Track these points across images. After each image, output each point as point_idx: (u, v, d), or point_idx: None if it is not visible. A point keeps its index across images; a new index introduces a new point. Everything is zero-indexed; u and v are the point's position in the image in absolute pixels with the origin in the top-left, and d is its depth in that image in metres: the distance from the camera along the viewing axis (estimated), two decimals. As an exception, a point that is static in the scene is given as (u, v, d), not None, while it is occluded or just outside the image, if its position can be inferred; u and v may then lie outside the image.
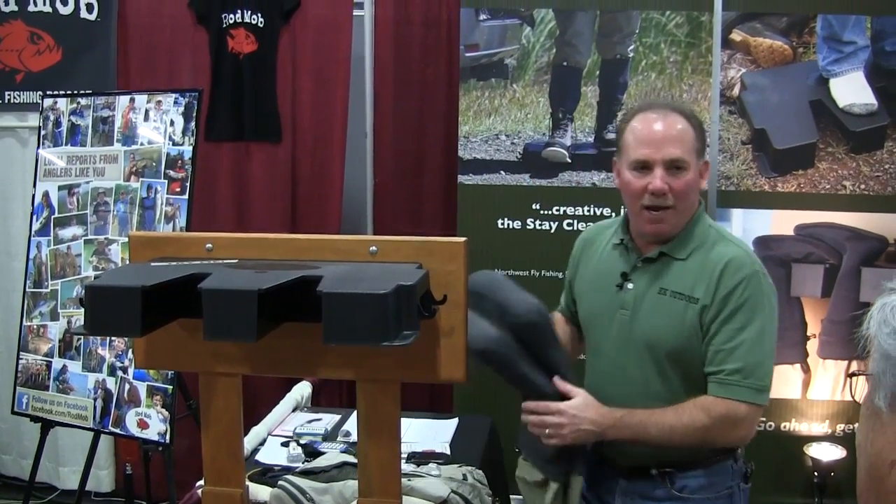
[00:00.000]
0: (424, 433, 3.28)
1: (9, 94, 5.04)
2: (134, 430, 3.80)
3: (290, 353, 2.12)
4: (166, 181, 3.78)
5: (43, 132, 4.12)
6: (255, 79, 4.80)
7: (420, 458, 2.97)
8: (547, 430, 2.40)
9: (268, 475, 2.79)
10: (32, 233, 4.10)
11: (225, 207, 4.83)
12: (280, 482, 2.63)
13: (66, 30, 4.91)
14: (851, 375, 1.26)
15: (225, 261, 2.05)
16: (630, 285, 2.55)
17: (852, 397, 1.27)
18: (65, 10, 4.88)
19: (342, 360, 1.94)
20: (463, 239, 2.17)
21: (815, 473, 4.16)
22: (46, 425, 4.10)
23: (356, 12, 4.72)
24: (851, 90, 4.14)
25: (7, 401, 5.24)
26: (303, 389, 3.67)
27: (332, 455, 2.95)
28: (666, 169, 2.44)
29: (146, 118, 3.88)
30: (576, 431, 2.40)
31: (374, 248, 2.18)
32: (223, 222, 4.78)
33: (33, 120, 5.04)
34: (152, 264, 2.13)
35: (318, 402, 3.82)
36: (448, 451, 3.09)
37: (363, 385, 2.02)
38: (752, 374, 2.39)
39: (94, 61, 4.93)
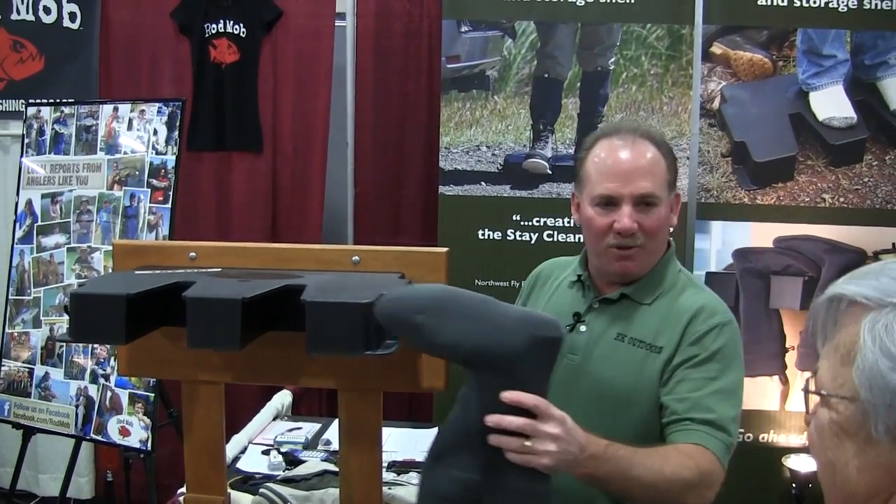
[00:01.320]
0: (404, 442, 3.28)
1: (-10, 102, 5.05)
2: (116, 437, 3.80)
3: (273, 362, 2.13)
4: (149, 190, 3.79)
5: (26, 140, 4.12)
6: (236, 88, 4.81)
7: (400, 467, 2.97)
8: (529, 443, 1.72)
9: (249, 483, 2.79)
10: (15, 240, 4.10)
11: (206, 217, 4.83)
12: (261, 490, 2.63)
13: (49, 38, 4.90)
14: (807, 392, 1.24)
15: (208, 270, 2.06)
16: (583, 328, 2.29)
17: (806, 412, 1.25)
18: (48, 19, 4.88)
19: (324, 369, 1.96)
20: (445, 249, 2.20)
21: (794, 485, 4.18)
22: (28, 432, 4.10)
23: (338, 23, 4.73)
24: (831, 104, 4.17)
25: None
26: (283, 398, 3.67)
27: (313, 463, 2.96)
28: (634, 205, 2.18)
29: (129, 127, 3.89)
30: (564, 452, 1.76)
31: (356, 257, 2.21)
32: (204, 231, 4.78)
33: (15, 128, 5.04)
34: (136, 272, 2.14)
35: (298, 410, 3.82)
36: (428, 461, 3.09)
37: (345, 394, 2.04)
38: (724, 429, 2.09)
39: (76, 70, 4.92)
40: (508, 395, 1.72)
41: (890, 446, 1.13)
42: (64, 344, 3.92)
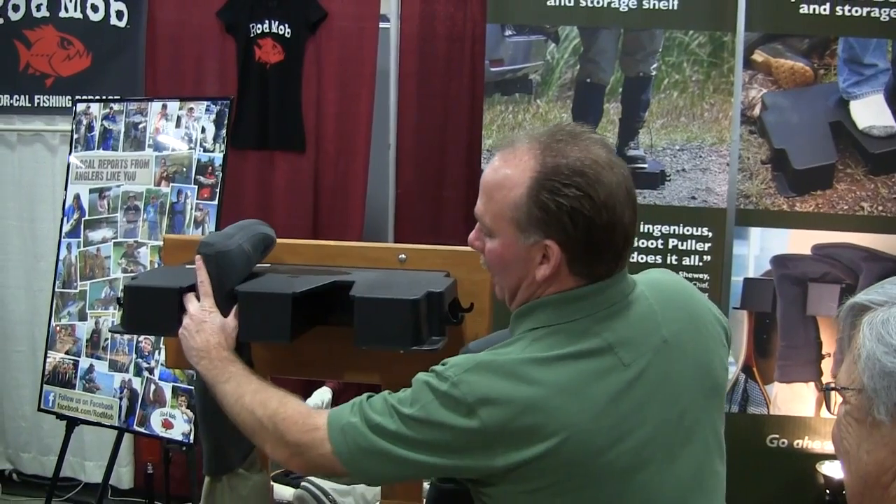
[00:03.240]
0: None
1: (38, 98, 5.12)
2: (158, 429, 3.87)
3: (318, 356, 2.19)
4: (196, 187, 3.86)
5: (75, 136, 4.19)
6: (280, 88, 4.86)
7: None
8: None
9: (290, 476, 2.85)
10: (62, 234, 4.17)
11: (248, 214, 4.79)
12: (303, 483, 2.69)
13: (96, 36, 4.99)
14: (827, 389, 1.32)
15: (258, 265, 2.12)
16: None
17: (829, 410, 1.33)
18: (95, 17, 4.96)
19: (369, 364, 2.01)
20: (491, 249, 2.23)
21: (827, 491, 4.19)
22: (71, 423, 4.16)
23: (382, 25, 4.78)
24: (871, 112, 4.18)
25: (28, 399, 5.33)
26: (323, 395, 3.73)
27: (353, 459, 3.00)
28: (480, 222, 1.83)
29: (178, 125, 3.95)
30: (188, 329, 1.98)
31: (402, 255, 2.26)
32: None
33: (62, 124, 5.13)
34: (187, 266, 2.20)
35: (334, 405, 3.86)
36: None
37: (385, 389, 2.08)
38: (353, 408, 1.79)
39: (122, 67, 5.00)
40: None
41: (891, 426, 1.22)
42: (109, 336, 3.99)
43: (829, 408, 1.33)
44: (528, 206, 1.70)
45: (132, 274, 3.94)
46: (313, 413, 1.85)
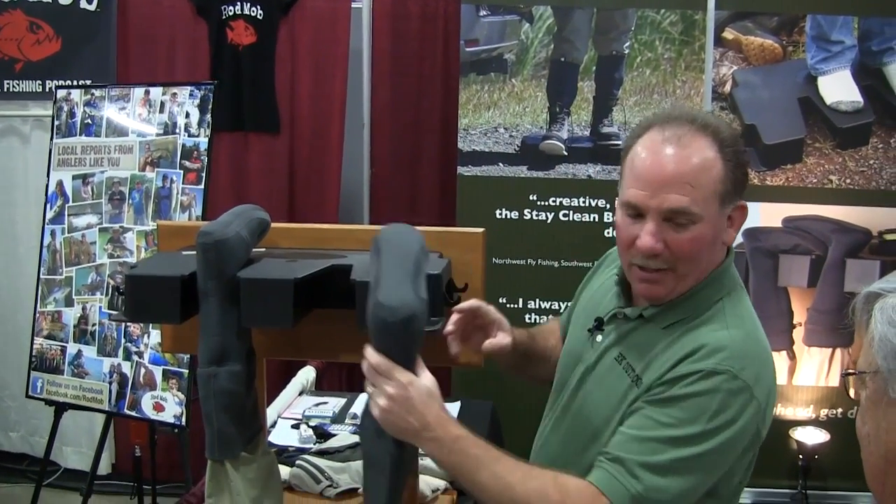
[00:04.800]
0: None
1: (8, 83, 5.10)
2: (150, 412, 3.88)
3: (315, 339, 2.21)
4: (182, 171, 3.86)
5: (57, 122, 4.18)
6: (254, 70, 4.87)
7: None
8: (370, 390, 1.76)
9: (283, 455, 2.88)
10: (46, 221, 4.16)
11: (223, 197, 4.87)
12: (298, 461, 2.73)
13: (66, 19, 4.96)
14: (845, 375, 1.38)
15: (254, 249, 2.15)
16: (599, 337, 2.00)
17: (847, 394, 1.39)
18: (64, 1, 4.93)
19: (362, 346, 2.04)
20: (481, 230, 2.29)
21: (800, 456, 4.29)
22: (60, 408, 4.16)
23: (354, 5, 4.79)
24: (838, 88, 4.26)
25: (14, 381, 5.33)
26: (307, 374, 3.75)
27: (344, 436, 3.05)
28: (664, 220, 1.79)
29: (161, 110, 3.95)
30: (395, 414, 1.73)
31: (395, 238, 2.29)
32: (219, 212, 4.84)
33: (33, 109, 5.12)
34: (184, 253, 2.22)
35: (320, 385, 3.89)
36: (453, 434, 3.16)
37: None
38: (637, 477, 1.73)
39: (93, 51, 4.98)
40: (365, 351, 1.77)
41: None
42: (96, 322, 4.00)
43: (848, 394, 1.38)
44: (734, 174, 1.80)
45: (119, 259, 3.95)
46: (596, 493, 1.75)
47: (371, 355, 1.75)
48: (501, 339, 2.10)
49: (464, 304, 2.05)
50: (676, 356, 1.79)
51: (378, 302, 1.74)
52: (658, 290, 1.86)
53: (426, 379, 1.76)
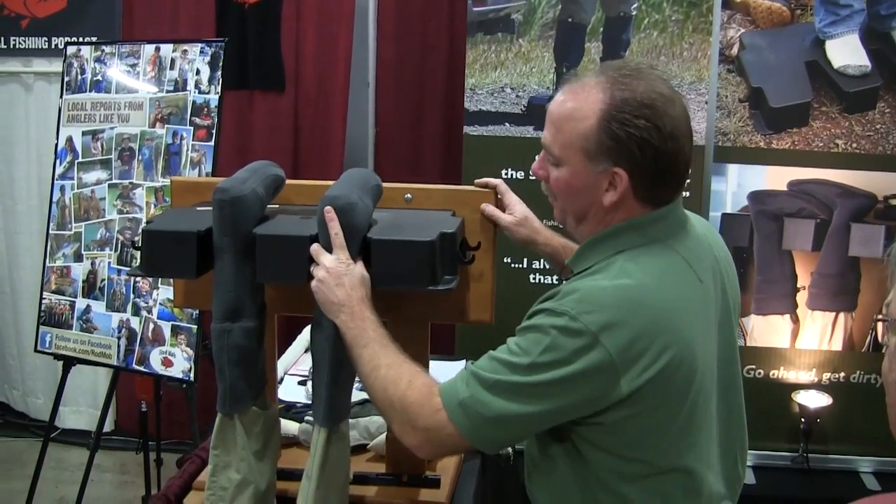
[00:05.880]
0: (434, 374, 3.38)
1: (14, 40, 5.10)
2: (158, 368, 3.90)
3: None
4: (192, 128, 3.86)
5: (67, 78, 4.17)
6: (259, 28, 4.87)
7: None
8: (312, 268, 2.00)
9: (291, 411, 2.90)
10: (56, 176, 4.16)
11: (227, 155, 4.86)
12: (307, 418, 2.74)
13: (71, -24, 4.94)
14: (877, 321, 1.40)
15: (268, 206, 2.16)
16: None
17: (879, 341, 1.41)
18: (71, -43, 4.94)
19: (377, 303, 2.06)
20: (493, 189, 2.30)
21: (802, 420, 4.31)
22: (68, 364, 4.17)
23: (360, -38, 4.79)
24: (846, 52, 4.25)
25: (13, 338, 5.36)
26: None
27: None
28: (546, 152, 1.94)
29: (172, 67, 3.95)
30: (321, 289, 1.97)
31: (408, 195, 2.31)
32: (225, 170, 4.85)
33: (38, 65, 5.13)
34: (198, 209, 2.24)
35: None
36: (459, 392, 3.18)
37: (395, 327, 2.15)
38: (465, 380, 1.85)
39: (99, 8, 5.01)
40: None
41: None
42: (105, 277, 4.01)
43: (879, 339, 1.41)
44: (599, 136, 1.82)
45: (128, 216, 3.96)
46: (434, 391, 1.89)
47: (333, 228, 1.98)
48: (502, 214, 2.31)
49: (489, 179, 2.32)
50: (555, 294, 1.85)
51: (323, 196, 1.99)
52: (554, 212, 2.01)
53: (360, 267, 1.98)
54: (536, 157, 1.97)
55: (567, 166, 1.88)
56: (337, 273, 1.96)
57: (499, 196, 2.32)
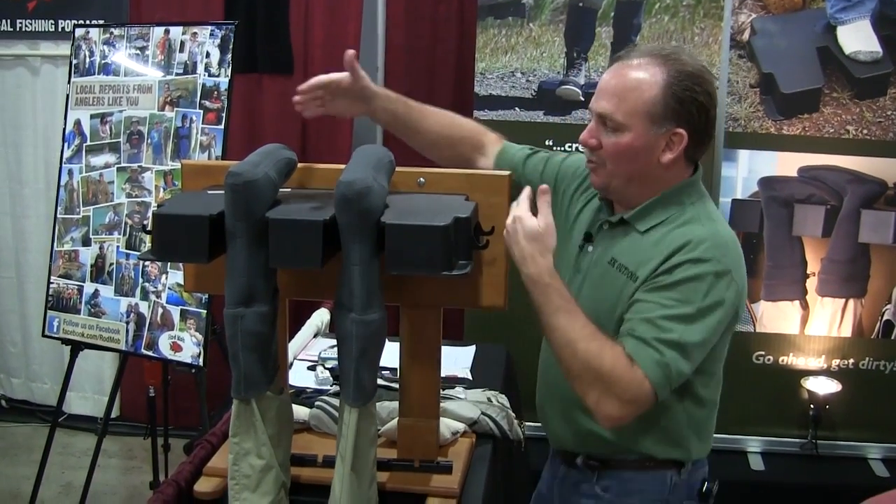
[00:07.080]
0: (445, 359, 3.37)
1: (20, 23, 5.09)
2: (167, 352, 3.89)
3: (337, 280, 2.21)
4: (202, 111, 3.85)
5: (75, 61, 4.15)
6: (268, 11, 4.84)
7: (445, 383, 3.07)
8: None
9: (302, 397, 2.89)
10: (64, 160, 4.15)
11: (236, 138, 4.86)
12: (317, 403, 2.73)
13: (79, -43, 4.92)
14: None
15: (280, 189, 2.14)
16: (590, 247, 2.32)
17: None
18: (78, -61, 4.91)
19: (390, 287, 2.04)
20: (507, 173, 2.30)
21: (811, 406, 4.31)
22: (76, 348, 4.16)
23: (370, -55, 4.75)
24: (857, 38, 4.22)
25: (17, 325, 5.36)
26: (322, 315, 3.75)
27: (362, 378, 3.05)
28: (600, 122, 2.17)
29: (181, 49, 3.93)
30: (509, 238, 2.14)
31: (421, 179, 2.29)
32: (234, 153, 4.84)
33: (45, 48, 5.12)
34: (209, 192, 2.22)
35: (334, 328, 3.88)
36: (469, 377, 3.18)
37: (408, 311, 2.13)
38: (658, 349, 2.05)
39: (106, -9, 4.98)
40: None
41: None
42: (114, 261, 4.00)
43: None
44: (665, 100, 2.10)
45: (137, 199, 3.94)
46: (630, 362, 2.06)
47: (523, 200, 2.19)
48: (338, 75, 2.72)
49: (313, 81, 2.64)
50: (668, 250, 2.12)
51: (339, 181, 1.96)
52: (595, 179, 2.26)
53: (532, 221, 2.13)
54: (584, 132, 2.22)
55: (630, 131, 2.12)
56: (534, 234, 2.12)
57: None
